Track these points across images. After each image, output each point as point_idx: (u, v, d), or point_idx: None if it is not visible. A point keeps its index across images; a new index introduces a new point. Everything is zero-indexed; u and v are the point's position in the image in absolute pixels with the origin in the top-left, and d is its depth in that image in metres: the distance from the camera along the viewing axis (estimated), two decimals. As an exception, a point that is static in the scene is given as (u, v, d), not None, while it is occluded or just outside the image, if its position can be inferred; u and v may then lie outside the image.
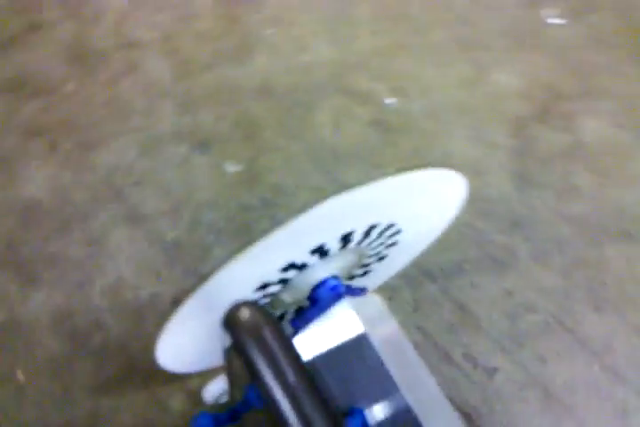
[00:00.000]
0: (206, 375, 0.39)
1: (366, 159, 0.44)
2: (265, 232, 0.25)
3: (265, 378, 0.31)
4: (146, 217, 0.36)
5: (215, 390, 0.40)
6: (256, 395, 0.35)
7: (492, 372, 0.44)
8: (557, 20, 0.57)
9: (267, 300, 0.36)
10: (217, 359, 0.38)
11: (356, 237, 0.35)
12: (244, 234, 0.39)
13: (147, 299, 0.35)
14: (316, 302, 0.35)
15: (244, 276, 0.33)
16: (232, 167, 0.40)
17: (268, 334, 0.31)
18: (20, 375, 0.36)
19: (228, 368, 0.34)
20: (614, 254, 0.47)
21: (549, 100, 0.51)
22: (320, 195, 0.31)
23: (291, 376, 0.31)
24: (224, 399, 0.41)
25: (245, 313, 0.31)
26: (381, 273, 0.41)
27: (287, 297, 0.36)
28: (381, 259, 0.41)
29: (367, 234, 0.35)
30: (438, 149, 0.49)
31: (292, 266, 0.34)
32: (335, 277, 0.35)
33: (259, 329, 0.30)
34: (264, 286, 0.35)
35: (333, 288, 0.35)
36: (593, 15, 0.60)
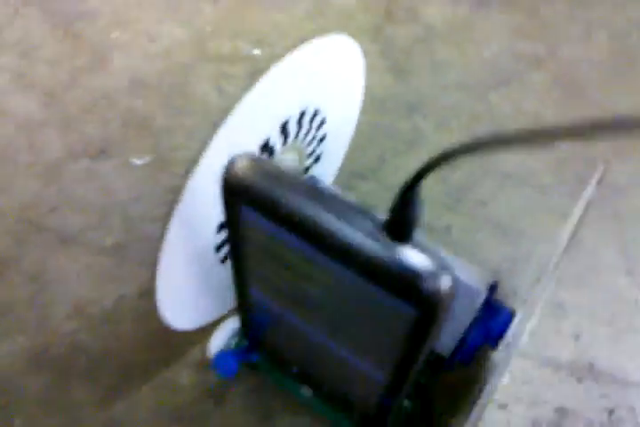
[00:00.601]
0: (204, 340, 0.40)
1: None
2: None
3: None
4: (76, 235, 0.37)
5: (219, 341, 0.40)
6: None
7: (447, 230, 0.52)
8: None
9: None
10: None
11: (292, 128, 0.34)
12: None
13: (113, 305, 0.37)
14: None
15: (207, 191, 0.31)
16: (139, 161, 0.45)
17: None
18: (19, 424, 0.37)
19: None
20: (498, 100, 0.55)
21: (388, 3, 0.58)
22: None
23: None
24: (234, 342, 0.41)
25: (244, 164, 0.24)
26: (321, 177, 0.43)
27: None
28: (317, 160, 0.42)
29: (300, 123, 0.34)
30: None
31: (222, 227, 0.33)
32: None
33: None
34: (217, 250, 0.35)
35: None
36: None
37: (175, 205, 0.28)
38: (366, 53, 0.52)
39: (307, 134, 0.36)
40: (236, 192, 0.25)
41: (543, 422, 0.26)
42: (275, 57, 0.54)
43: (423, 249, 0.20)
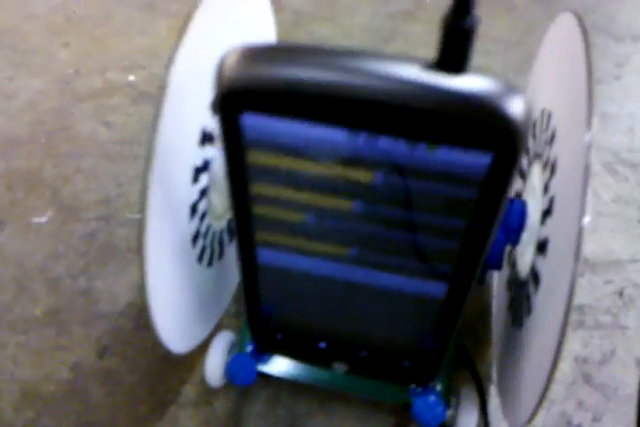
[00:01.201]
0: (190, 377, 0.32)
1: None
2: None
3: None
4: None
5: (217, 360, 0.32)
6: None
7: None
8: None
9: (203, 222, 0.29)
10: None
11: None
12: (109, 254, 0.40)
13: (69, 375, 0.33)
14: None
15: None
16: (41, 219, 0.41)
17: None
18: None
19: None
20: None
21: None
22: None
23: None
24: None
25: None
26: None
27: (218, 203, 0.29)
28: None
29: None
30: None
31: (197, 171, 0.27)
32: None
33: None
34: (193, 211, 0.27)
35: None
36: None
37: (146, 196, 0.22)
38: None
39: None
40: (235, 96, 0.17)
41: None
42: (152, 77, 0.52)
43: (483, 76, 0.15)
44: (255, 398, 0.33)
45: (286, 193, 0.20)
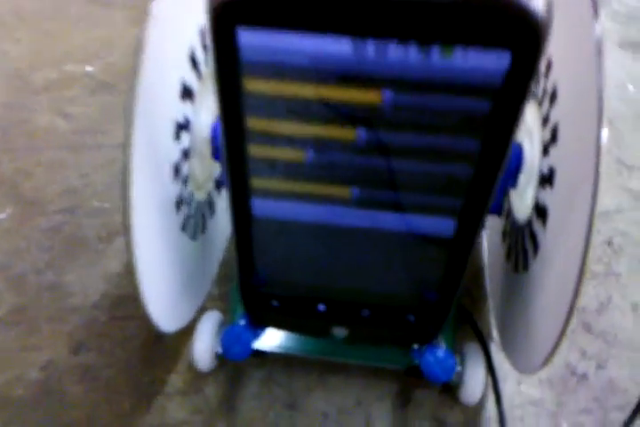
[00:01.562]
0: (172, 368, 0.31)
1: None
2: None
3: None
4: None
5: (205, 336, 0.30)
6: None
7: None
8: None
9: (186, 187, 0.27)
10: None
11: (199, 55, 0.26)
12: (77, 247, 0.38)
13: (41, 375, 0.31)
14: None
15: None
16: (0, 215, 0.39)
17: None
18: None
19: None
20: None
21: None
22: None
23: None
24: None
25: None
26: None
27: (198, 171, 0.28)
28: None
29: (204, 47, 0.27)
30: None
31: (179, 128, 0.25)
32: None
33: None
34: (176, 171, 0.26)
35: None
36: None
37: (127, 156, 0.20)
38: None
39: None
40: (229, 6, 0.15)
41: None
42: (111, 66, 0.50)
43: None
44: (248, 379, 0.31)
45: (285, 127, 0.19)
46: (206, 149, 0.27)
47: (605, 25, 0.49)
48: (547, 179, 0.24)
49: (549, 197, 0.24)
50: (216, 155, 0.26)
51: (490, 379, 0.30)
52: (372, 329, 0.27)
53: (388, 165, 0.19)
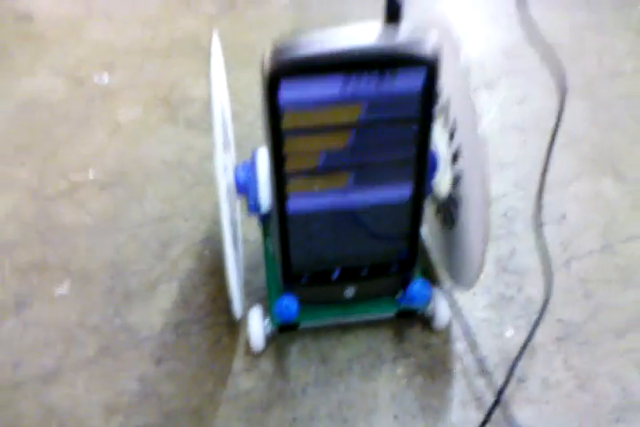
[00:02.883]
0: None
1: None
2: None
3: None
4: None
5: (257, 330, 0.44)
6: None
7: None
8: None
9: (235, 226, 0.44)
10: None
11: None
12: (131, 297, 0.49)
13: (139, 377, 0.42)
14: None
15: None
16: (62, 291, 0.52)
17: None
18: None
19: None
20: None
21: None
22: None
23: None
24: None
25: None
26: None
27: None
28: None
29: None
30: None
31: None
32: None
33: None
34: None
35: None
36: None
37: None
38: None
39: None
40: (277, 74, 0.31)
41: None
42: (108, 170, 0.68)
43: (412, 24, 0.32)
44: (288, 352, 0.47)
45: (307, 144, 0.35)
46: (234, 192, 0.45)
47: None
48: (455, 157, 0.43)
49: (461, 170, 0.42)
50: (239, 190, 0.43)
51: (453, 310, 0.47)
52: (371, 284, 0.43)
53: (371, 152, 0.37)
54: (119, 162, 0.69)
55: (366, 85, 0.32)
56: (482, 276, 0.51)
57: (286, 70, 0.31)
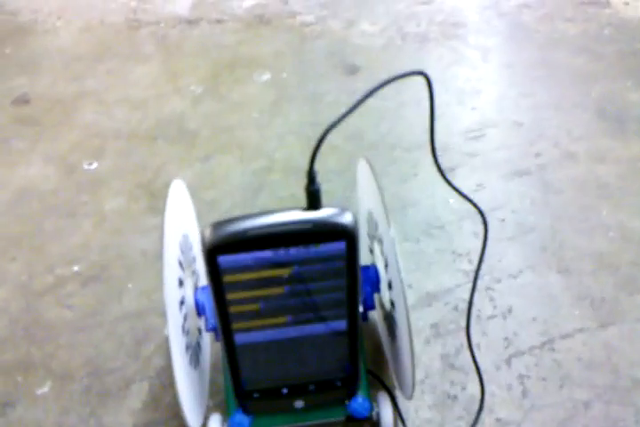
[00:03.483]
0: None
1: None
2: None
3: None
4: None
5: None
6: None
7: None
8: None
9: (188, 337, 0.48)
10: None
11: (182, 259, 0.49)
12: (106, 398, 0.48)
13: None
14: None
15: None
16: (44, 390, 0.57)
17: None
18: None
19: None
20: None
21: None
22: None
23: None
24: None
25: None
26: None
27: (192, 326, 0.48)
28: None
29: (182, 252, 0.51)
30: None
31: (180, 304, 0.47)
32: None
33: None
34: (183, 328, 0.47)
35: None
36: None
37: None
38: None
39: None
40: (215, 249, 0.37)
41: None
42: (92, 264, 0.74)
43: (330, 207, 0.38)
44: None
45: (247, 294, 0.42)
46: (193, 309, 0.49)
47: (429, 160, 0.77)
48: (390, 285, 0.48)
49: (393, 296, 0.48)
50: (198, 312, 0.48)
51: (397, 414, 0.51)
52: (317, 396, 0.48)
53: (303, 301, 0.43)
54: (102, 254, 0.75)
55: (295, 253, 0.39)
56: (429, 373, 0.57)
57: (222, 247, 0.38)
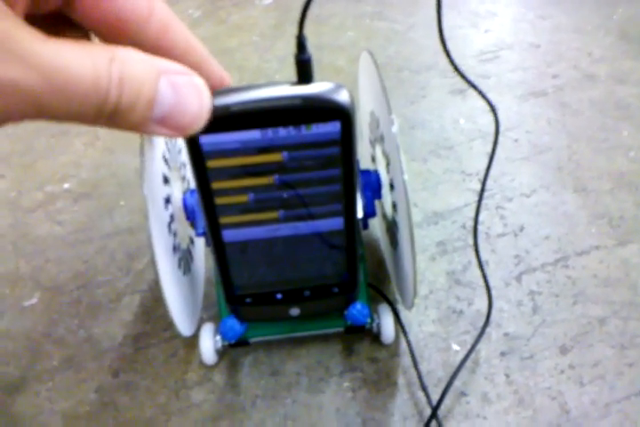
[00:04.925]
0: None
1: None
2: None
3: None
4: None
5: (208, 345, 0.45)
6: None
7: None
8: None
9: (176, 239, 0.44)
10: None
11: (167, 156, 0.43)
12: (96, 310, 0.50)
13: (96, 389, 0.42)
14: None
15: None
16: (32, 302, 0.53)
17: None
18: None
19: None
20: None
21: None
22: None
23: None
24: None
25: None
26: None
27: (180, 229, 0.43)
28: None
29: (169, 150, 0.45)
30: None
31: (166, 202, 0.42)
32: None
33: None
34: (169, 228, 0.43)
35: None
36: None
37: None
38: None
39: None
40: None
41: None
42: (83, 181, 0.70)
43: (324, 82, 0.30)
44: (241, 365, 0.48)
45: (234, 183, 0.36)
46: (181, 214, 0.45)
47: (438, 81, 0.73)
48: (392, 186, 0.44)
49: (395, 199, 0.43)
50: (187, 217, 0.44)
51: (399, 325, 0.48)
52: (314, 304, 0.44)
53: (296, 193, 0.38)
54: (94, 173, 0.70)
55: (285, 135, 0.33)
56: (434, 289, 0.53)
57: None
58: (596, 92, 0.75)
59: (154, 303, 0.55)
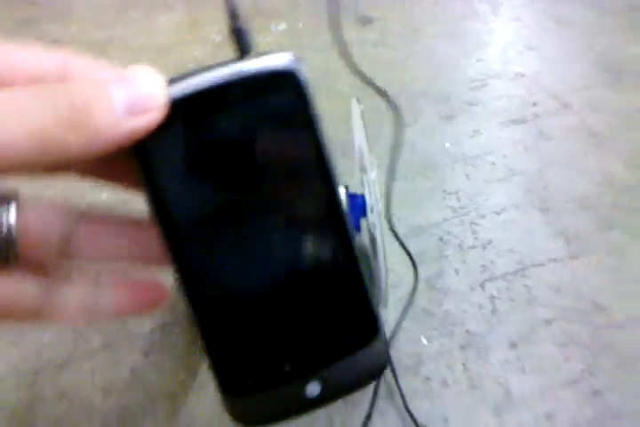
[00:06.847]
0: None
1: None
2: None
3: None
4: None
5: None
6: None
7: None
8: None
9: None
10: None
11: None
12: None
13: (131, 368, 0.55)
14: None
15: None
16: None
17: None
18: None
19: None
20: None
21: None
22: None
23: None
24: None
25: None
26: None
27: None
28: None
29: None
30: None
31: None
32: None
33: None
34: None
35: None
36: None
37: None
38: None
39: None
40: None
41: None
42: None
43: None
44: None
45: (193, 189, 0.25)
46: None
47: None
48: (371, 210, 0.53)
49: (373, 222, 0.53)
50: None
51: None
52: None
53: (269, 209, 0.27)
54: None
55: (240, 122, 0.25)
56: (411, 291, 0.62)
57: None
58: (571, 120, 0.84)
59: (177, 298, 0.65)
